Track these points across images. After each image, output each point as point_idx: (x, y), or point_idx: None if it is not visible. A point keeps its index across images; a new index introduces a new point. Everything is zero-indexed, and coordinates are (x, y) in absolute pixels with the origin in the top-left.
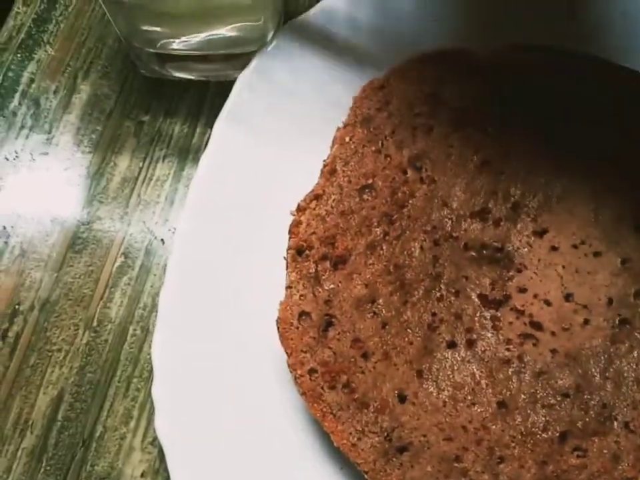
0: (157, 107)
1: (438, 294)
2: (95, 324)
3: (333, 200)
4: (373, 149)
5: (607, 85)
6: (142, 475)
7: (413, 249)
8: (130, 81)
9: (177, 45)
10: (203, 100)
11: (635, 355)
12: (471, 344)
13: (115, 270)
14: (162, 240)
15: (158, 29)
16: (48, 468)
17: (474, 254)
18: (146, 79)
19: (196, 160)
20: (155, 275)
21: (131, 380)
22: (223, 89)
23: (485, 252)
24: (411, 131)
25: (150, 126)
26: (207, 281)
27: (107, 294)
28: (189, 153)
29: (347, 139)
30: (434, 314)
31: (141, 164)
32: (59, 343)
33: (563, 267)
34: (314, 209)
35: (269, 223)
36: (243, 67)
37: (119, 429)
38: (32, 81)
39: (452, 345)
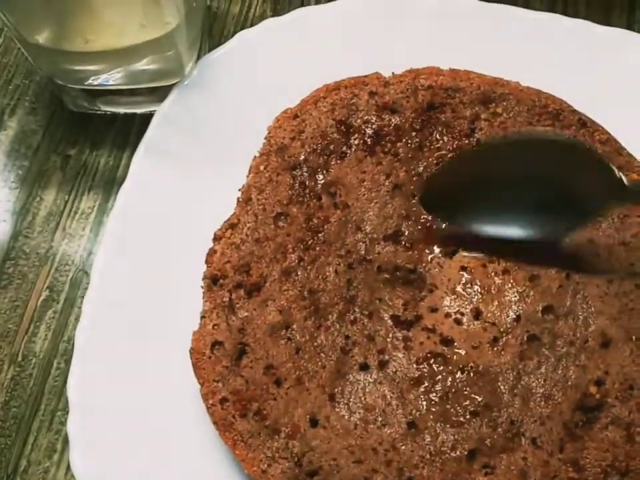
0: (84, 140)
1: (352, 317)
2: (19, 359)
3: (248, 228)
4: (288, 176)
5: None
6: None
7: (327, 273)
8: (57, 115)
9: (102, 80)
10: (128, 132)
11: (543, 371)
12: (383, 365)
13: (40, 304)
14: (86, 272)
15: (81, 67)
16: None
17: (387, 276)
18: (73, 114)
19: None
20: (79, 307)
21: (55, 413)
22: (149, 121)
23: (398, 274)
24: (325, 158)
25: (76, 159)
26: (124, 314)
27: (31, 328)
28: (113, 185)
29: (262, 168)
30: (347, 337)
31: (66, 197)
32: None
33: (473, 286)
34: (229, 237)
35: (188, 253)
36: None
37: (43, 462)
38: None
39: (364, 367)
